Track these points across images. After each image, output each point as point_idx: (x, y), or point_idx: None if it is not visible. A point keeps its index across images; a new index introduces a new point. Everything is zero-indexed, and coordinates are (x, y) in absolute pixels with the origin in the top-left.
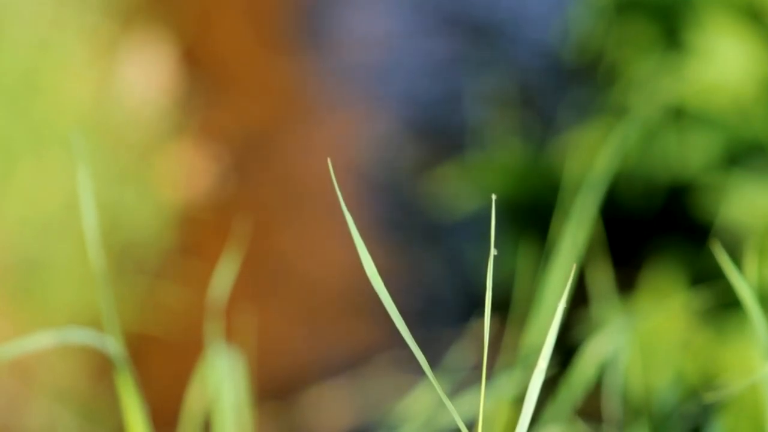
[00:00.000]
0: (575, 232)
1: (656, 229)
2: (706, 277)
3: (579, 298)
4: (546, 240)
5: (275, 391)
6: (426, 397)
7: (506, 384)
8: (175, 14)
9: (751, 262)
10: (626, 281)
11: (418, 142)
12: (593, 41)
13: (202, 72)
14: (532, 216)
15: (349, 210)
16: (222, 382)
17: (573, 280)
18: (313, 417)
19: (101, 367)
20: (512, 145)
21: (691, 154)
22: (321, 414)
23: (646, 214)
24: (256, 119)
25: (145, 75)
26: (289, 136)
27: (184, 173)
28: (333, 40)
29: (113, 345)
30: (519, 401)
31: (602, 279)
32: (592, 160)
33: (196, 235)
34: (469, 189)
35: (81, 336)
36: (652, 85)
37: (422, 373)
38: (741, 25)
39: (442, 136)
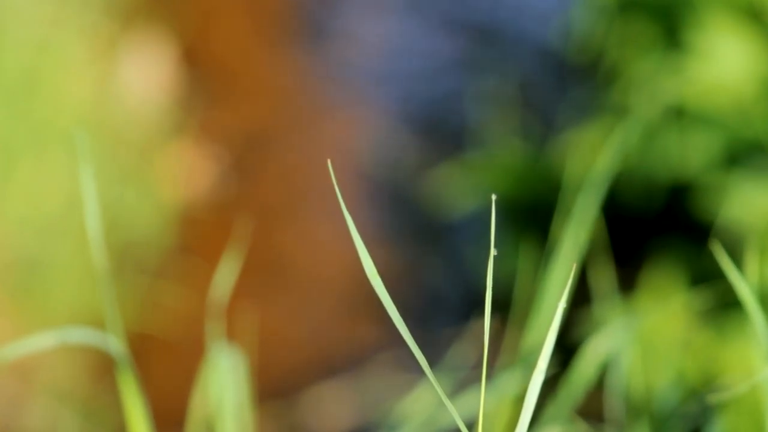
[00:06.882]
0: (576, 232)
1: (657, 229)
2: (707, 277)
3: (580, 298)
4: (547, 240)
5: (276, 391)
6: (426, 397)
7: (507, 383)
8: (175, 14)
9: (751, 262)
10: (627, 281)
11: (418, 142)
12: (593, 41)
13: (202, 72)
14: (533, 216)
15: (349, 210)
16: (223, 382)
17: (574, 279)
18: (313, 417)
19: (102, 366)
20: (512, 145)
21: (691, 154)
22: (321, 414)
23: (647, 214)
24: (257, 119)
25: (145, 75)
26: (289, 136)
27: (185, 173)
28: (333, 40)
29: (115, 344)
30: (519, 401)
31: (603, 278)
32: (593, 160)
33: (196, 235)
34: (469, 189)
35: (82, 335)
36: (653, 84)
37: (422, 372)
38: (741, 24)
39: (442, 136)
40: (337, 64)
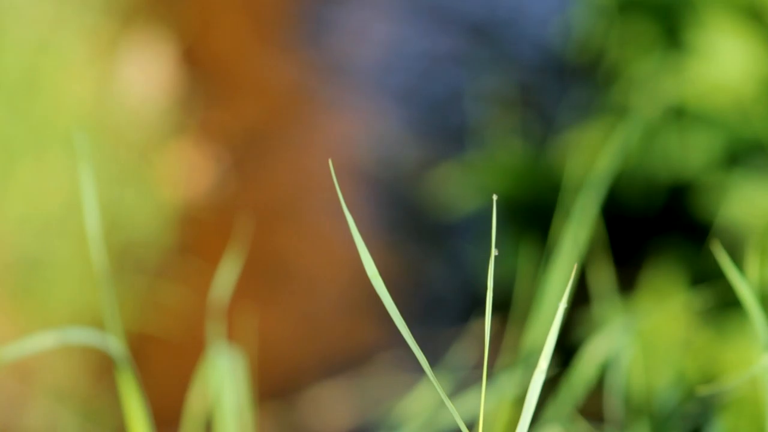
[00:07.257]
0: (576, 232)
1: (657, 229)
2: (707, 277)
3: (580, 298)
4: (547, 240)
5: (275, 391)
6: (426, 397)
7: (507, 383)
8: (175, 14)
9: (751, 262)
10: (627, 281)
11: (418, 142)
12: (594, 41)
13: (202, 72)
14: (533, 216)
15: (350, 210)
16: (223, 382)
17: (574, 279)
18: (313, 417)
19: (102, 366)
20: (512, 145)
21: (691, 154)
22: (321, 414)
23: (647, 214)
24: (256, 119)
25: (145, 75)
26: (289, 136)
27: (184, 173)
28: (333, 39)
29: (115, 344)
30: (520, 401)
31: (603, 279)
32: (593, 160)
33: (196, 235)
34: (470, 189)
35: (82, 335)
36: (653, 84)
37: (422, 372)
38: (741, 24)
39: (442, 136)
40: (337, 64)
